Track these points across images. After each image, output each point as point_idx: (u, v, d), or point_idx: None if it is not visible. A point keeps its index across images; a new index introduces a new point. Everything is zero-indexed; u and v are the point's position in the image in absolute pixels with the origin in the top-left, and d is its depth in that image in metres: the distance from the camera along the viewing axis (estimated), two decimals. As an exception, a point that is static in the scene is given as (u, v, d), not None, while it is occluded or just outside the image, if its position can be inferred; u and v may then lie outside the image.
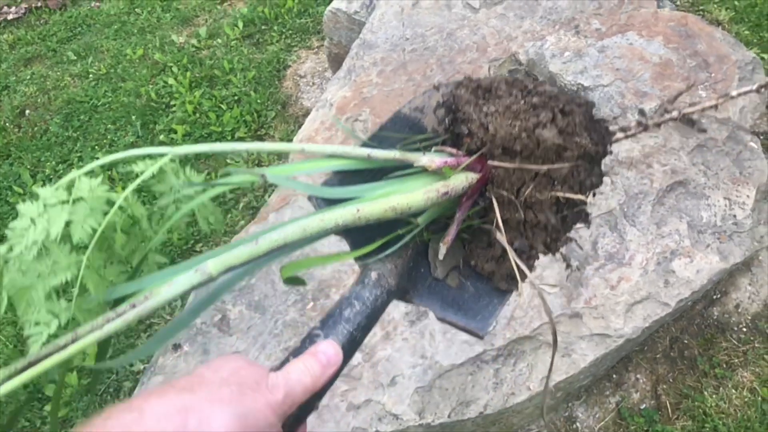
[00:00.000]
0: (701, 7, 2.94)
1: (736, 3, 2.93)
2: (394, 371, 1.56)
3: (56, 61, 3.35)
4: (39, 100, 3.11)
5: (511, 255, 0.69)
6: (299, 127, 2.33)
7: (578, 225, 0.76)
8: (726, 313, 1.93)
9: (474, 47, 2.20)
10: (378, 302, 0.66)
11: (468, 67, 2.13)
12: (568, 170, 0.68)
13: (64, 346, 0.53)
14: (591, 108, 0.72)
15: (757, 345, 1.85)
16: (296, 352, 0.57)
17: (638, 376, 1.84)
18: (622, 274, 1.66)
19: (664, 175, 1.82)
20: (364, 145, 0.72)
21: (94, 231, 0.59)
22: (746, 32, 2.78)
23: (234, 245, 0.60)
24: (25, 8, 3.75)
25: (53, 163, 2.72)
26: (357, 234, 0.70)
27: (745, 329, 1.89)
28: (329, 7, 2.63)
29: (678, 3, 2.94)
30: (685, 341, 1.90)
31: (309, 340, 0.59)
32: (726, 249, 1.70)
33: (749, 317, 1.91)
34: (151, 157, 0.63)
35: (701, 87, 2.04)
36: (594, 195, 0.74)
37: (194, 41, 3.30)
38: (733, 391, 1.76)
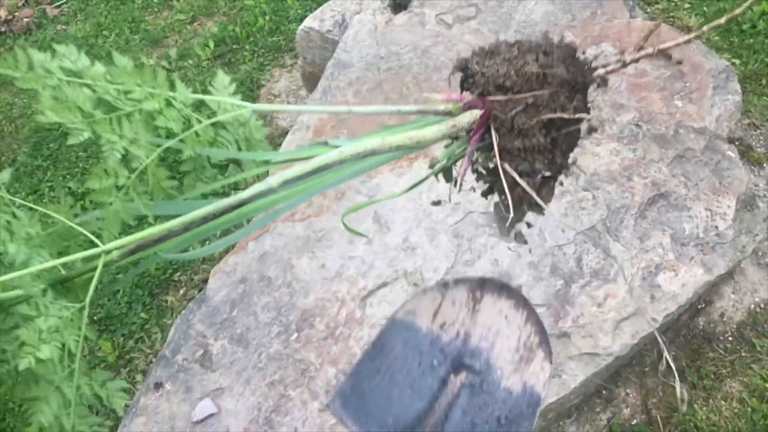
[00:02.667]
0: (671, 14, 2.97)
1: (705, 9, 2.96)
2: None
3: (23, 87, 3.27)
4: (6, 129, 3.03)
5: (501, 173, 0.88)
6: (276, 148, 2.29)
7: (574, 145, 0.92)
8: (711, 322, 1.93)
9: (450, 64, 2.18)
10: None
11: (444, 84, 2.11)
12: (549, 96, 0.85)
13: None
14: (572, 48, 0.89)
15: (743, 354, 1.85)
16: None
17: (628, 390, 1.82)
18: (608, 290, 1.65)
19: (645, 188, 1.81)
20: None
21: (170, 132, 0.79)
22: (716, 38, 2.81)
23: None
24: (-11, 33, 3.66)
25: (22, 194, 2.65)
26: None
27: (731, 338, 1.89)
28: (301, 26, 2.60)
29: (649, 11, 2.96)
30: (673, 353, 1.89)
31: None
32: (710, 261, 1.70)
33: (734, 326, 1.91)
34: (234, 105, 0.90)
35: (677, 97, 2.05)
36: (586, 119, 0.89)
37: (165, 63, 3.24)
38: (723, 402, 1.76)
